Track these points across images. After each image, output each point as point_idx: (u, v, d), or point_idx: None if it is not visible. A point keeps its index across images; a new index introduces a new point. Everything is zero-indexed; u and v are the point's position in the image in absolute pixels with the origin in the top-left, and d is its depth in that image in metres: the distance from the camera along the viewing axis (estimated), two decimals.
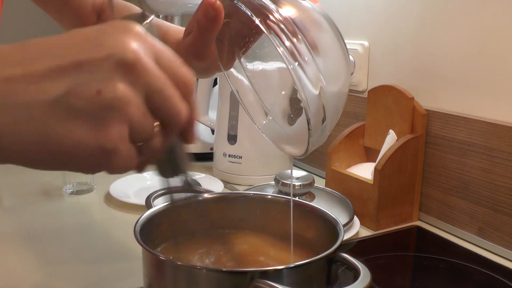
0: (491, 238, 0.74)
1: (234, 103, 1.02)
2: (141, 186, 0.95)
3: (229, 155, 1.03)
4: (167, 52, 0.33)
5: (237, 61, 0.53)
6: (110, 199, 0.90)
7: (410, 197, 0.84)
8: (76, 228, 0.79)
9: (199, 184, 0.91)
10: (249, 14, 0.42)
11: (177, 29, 0.57)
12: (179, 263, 0.48)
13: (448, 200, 0.81)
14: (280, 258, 0.57)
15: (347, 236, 0.75)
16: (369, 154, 0.93)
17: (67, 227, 0.80)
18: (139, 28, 0.33)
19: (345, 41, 0.48)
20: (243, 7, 0.42)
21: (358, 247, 0.75)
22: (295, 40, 0.41)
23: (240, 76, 0.54)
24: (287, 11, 0.42)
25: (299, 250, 0.57)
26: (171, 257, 0.52)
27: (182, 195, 0.51)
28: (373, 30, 0.95)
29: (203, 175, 1.03)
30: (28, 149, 0.30)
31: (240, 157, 1.02)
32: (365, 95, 0.94)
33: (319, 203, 0.75)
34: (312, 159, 1.12)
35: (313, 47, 0.42)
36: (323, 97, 0.42)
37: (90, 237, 0.76)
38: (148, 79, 0.31)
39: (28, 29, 1.93)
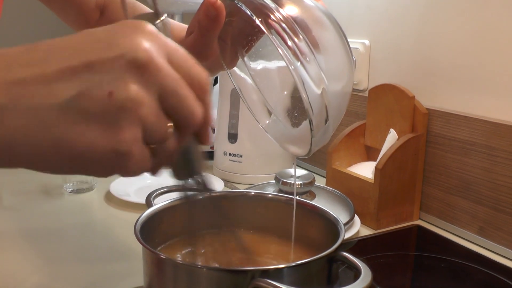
0: (492, 237, 0.74)
1: (235, 101, 1.02)
2: (141, 184, 0.95)
3: (230, 154, 1.03)
4: (181, 51, 0.33)
5: (240, 60, 0.53)
6: (110, 198, 0.90)
7: (411, 196, 0.83)
8: (76, 227, 0.79)
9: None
10: (249, 13, 0.42)
11: (180, 26, 0.57)
12: (179, 262, 0.48)
13: (449, 199, 0.80)
14: (281, 257, 0.57)
15: (347, 235, 0.75)
16: (369, 153, 0.93)
17: (67, 226, 0.80)
18: (151, 27, 0.32)
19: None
20: (244, 7, 0.42)
21: (358, 246, 0.75)
22: (296, 39, 0.41)
23: (243, 75, 0.54)
24: (289, 10, 0.42)
25: (300, 249, 0.57)
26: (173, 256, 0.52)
27: (183, 193, 0.50)
28: (374, 29, 0.95)
29: (203, 174, 1.02)
30: (40, 153, 0.30)
31: (241, 156, 1.02)
32: (366, 94, 0.94)
33: (320, 202, 0.75)
34: (312, 158, 1.11)
35: (314, 47, 0.41)
36: (325, 97, 0.42)
37: (90, 236, 0.76)
38: (161, 79, 0.31)
39: (28, 28, 1.93)
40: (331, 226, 0.53)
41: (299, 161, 1.15)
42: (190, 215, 0.56)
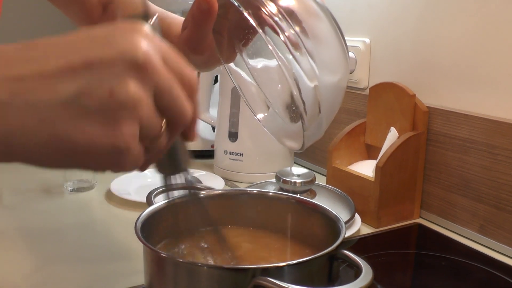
0: (492, 235, 0.74)
1: (235, 100, 1.02)
2: (141, 183, 0.95)
3: (230, 153, 1.03)
4: (173, 52, 0.34)
5: (238, 54, 0.53)
6: (110, 197, 0.90)
7: (411, 194, 0.83)
8: (76, 225, 0.79)
9: (199, 181, 0.91)
10: (237, 5, 0.41)
11: (180, 22, 0.57)
12: (180, 260, 0.48)
13: (449, 198, 0.80)
14: (282, 255, 0.57)
15: (348, 233, 0.74)
16: (370, 152, 0.93)
17: (68, 224, 0.80)
18: (147, 28, 0.33)
19: (346, 38, 0.47)
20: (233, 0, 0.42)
21: (359, 244, 0.75)
22: (287, 33, 0.40)
23: (239, 70, 0.54)
24: (282, 1, 0.42)
25: (301, 247, 0.57)
26: (172, 254, 0.52)
27: (183, 192, 0.50)
28: (374, 27, 0.95)
29: (204, 172, 1.02)
30: (39, 148, 0.30)
31: (241, 155, 1.02)
32: (366, 92, 0.94)
33: (320, 201, 0.75)
34: (313, 156, 1.12)
35: (308, 40, 0.41)
36: (318, 91, 0.42)
37: (91, 234, 0.76)
38: (158, 79, 0.32)
39: (29, 26, 1.93)
40: (332, 225, 0.53)
41: (300, 160, 1.15)
42: (191, 213, 0.56)
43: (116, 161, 0.32)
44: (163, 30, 0.56)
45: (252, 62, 0.53)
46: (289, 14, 0.41)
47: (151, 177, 0.97)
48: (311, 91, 0.41)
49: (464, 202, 0.78)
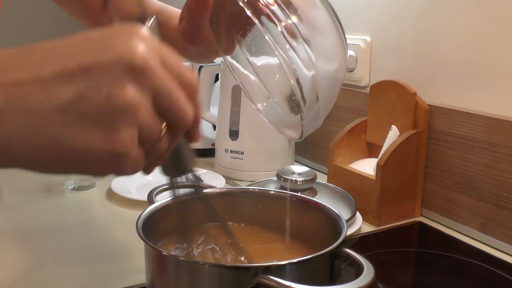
0: (493, 234, 0.74)
1: (236, 98, 1.02)
2: (143, 181, 0.95)
3: (231, 151, 1.03)
4: (172, 54, 0.34)
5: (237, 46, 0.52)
6: (112, 195, 0.90)
7: (413, 192, 0.83)
8: (77, 224, 0.79)
9: (200, 180, 0.91)
10: None
11: (178, 14, 0.57)
12: (181, 258, 0.48)
13: (450, 196, 0.80)
14: (283, 254, 0.57)
15: (349, 231, 0.74)
16: (371, 150, 0.93)
17: (69, 223, 0.80)
18: (144, 31, 0.33)
19: (347, 36, 0.47)
20: None
21: (360, 243, 0.74)
22: (284, 23, 0.40)
23: (238, 61, 0.54)
24: None
25: (302, 246, 0.57)
26: (173, 252, 0.52)
27: (184, 190, 0.50)
28: (375, 25, 0.95)
29: (205, 171, 1.02)
30: (37, 154, 0.30)
31: (242, 153, 1.02)
32: (367, 90, 0.94)
33: (321, 199, 0.75)
34: (314, 154, 1.12)
35: (305, 29, 0.41)
36: (315, 79, 0.42)
37: (92, 233, 0.76)
38: (157, 82, 0.31)
39: (28, 25, 1.93)
40: (333, 223, 0.53)
41: (301, 158, 1.15)
42: (192, 211, 0.56)
43: (115, 166, 0.32)
44: (162, 23, 0.56)
45: (250, 53, 0.52)
46: (286, 3, 0.41)
47: (152, 176, 0.96)
48: (309, 79, 0.41)
49: (465, 200, 0.78)
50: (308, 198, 0.60)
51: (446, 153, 0.80)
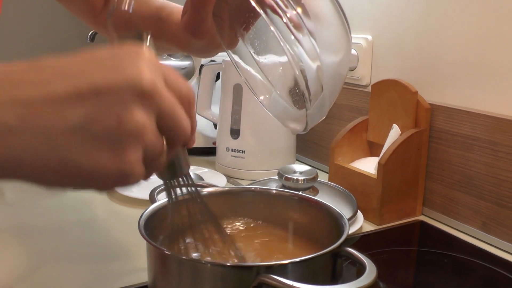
0: (494, 232, 0.74)
1: (237, 97, 1.02)
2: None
3: (232, 150, 1.03)
4: (172, 72, 0.35)
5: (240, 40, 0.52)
6: (113, 194, 0.90)
7: (414, 191, 0.83)
8: (79, 223, 0.79)
9: (201, 179, 0.91)
10: None
11: (180, 10, 0.57)
12: (184, 257, 0.48)
13: (451, 195, 0.80)
14: (285, 253, 0.57)
15: (350, 230, 0.74)
16: (372, 149, 0.93)
17: (70, 222, 0.80)
18: (149, 52, 0.34)
19: None
20: None
21: (361, 241, 0.75)
22: (289, 15, 0.40)
23: (241, 53, 0.53)
24: None
25: (304, 245, 0.57)
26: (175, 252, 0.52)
27: (185, 190, 0.50)
28: (376, 24, 0.94)
29: (206, 169, 1.02)
30: (45, 171, 0.31)
31: (243, 152, 1.02)
32: (369, 89, 0.94)
33: (323, 198, 0.74)
34: (315, 153, 1.12)
35: (309, 20, 0.41)
36: (320, 70, 0.42)
37: (93, 232, 0.76)
38: (162, 104, 0.33)
39: (28, 25, 1.92)
40: (335, 222, 0.53)
41: (302, 157, 1.15)
42: (193, 210, 0.56)
43: (120, 182, 0.33)
44: (164, 19, 0.57)
45: (253, 46, 0.52)
46: None
47: (153, 175, 0.96)
48: (314, 70, 0.41)
49: (466, 199, 0.78)
50: (309, 197, 0.60)
51: (447, 152, 0.80)
